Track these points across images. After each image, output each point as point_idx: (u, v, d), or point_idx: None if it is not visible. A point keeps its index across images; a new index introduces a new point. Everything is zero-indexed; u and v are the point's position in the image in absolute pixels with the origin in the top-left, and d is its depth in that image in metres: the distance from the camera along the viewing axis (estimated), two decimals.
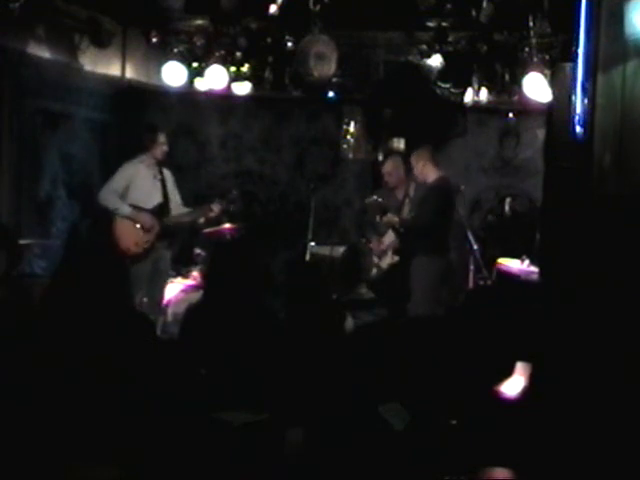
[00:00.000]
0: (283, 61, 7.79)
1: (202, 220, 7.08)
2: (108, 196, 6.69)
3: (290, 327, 4.15)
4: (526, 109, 7.88)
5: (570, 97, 4.25)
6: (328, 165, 9.40)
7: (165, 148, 6.87)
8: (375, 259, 7.37)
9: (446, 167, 8.32)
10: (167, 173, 7.01)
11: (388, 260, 7.32)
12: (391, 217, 7.05)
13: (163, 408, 3.18)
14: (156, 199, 6.81)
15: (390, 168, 7.43)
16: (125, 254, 6.53)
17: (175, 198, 7.01)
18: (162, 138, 6.87)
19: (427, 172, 6.95)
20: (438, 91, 7.73)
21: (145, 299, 6.80)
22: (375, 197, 7.36)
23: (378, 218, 7.23)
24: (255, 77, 8.04)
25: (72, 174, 7.71)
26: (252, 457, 3.05)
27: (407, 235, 6.93)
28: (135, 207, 6.70)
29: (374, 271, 7.31)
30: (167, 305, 7.11)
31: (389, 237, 7.33)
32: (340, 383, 3.56)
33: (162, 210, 6.82)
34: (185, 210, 7.05)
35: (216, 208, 6.93)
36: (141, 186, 6.75)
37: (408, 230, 6.92)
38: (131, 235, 6.65)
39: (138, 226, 6.69)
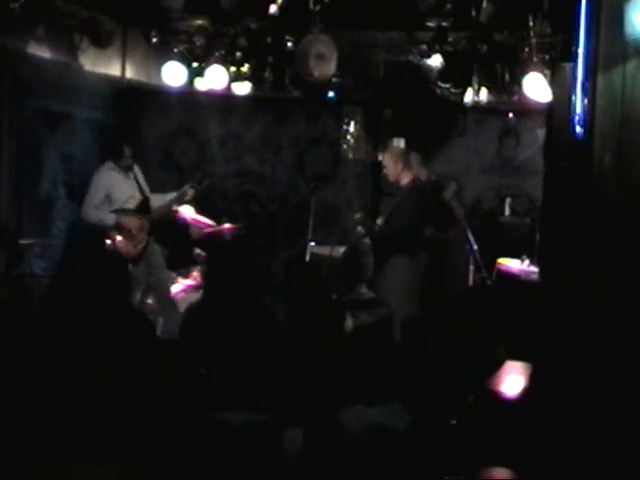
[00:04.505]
0: (283, 61, 7.78)
1: (179, 205, 7.30)
2: (90, 212, 6.78)
3: (290, 327, 4.15)
4: (526, 109, 7.87)
5: (570, 97, 4.24)
6: (328, 165, 9.39)
7: (130, 162, 6.91)
8: None
9: (446, 167, 8.29)
10: (136, 168, 7.08)
11: None
12: (360, 230, 6.97)
13: (163, 408, 3.18)
14: (136, 198, 6.89)
15: (385, 161, 7.44)
16: (127, 258, 6.56)
17: (147, 190, 7.09)
18: (128, 152, 6.91)
19: (399, 175, 6.97)
20: (438, 91, 7.72)
21: (149, 300, 6.84)
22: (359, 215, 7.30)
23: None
24: (255, 77, 8.03)
25: (72, 174, 7.71)
26: (252, 457, 3.05)
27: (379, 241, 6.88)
28: (120, 210, 6.75)
29: None
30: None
31: None
32: (340, 383, 3.56)
33: (145, 206, 6.90)
34: (159, 197, 7.17)
35: (190, 192, 7.19)
36: (121, 190, 6.85)
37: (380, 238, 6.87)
38: (128, 239, 6.69)
39: (130, 229, 6.73)
